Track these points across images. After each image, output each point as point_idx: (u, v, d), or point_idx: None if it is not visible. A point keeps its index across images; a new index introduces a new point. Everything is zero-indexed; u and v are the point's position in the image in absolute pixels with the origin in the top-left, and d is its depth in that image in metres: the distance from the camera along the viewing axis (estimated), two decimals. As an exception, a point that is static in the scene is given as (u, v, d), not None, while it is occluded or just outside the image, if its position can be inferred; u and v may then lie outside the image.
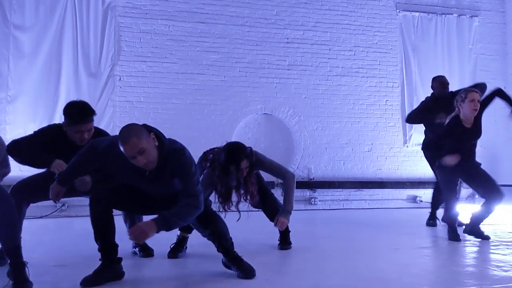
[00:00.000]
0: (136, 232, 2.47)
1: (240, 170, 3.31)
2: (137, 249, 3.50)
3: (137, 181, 2.73)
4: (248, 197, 3.46)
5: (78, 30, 6.32)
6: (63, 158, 3.13)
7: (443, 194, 4.42)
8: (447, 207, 4.29)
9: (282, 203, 3.66)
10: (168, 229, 2.55)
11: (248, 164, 3.35)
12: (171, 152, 2.61)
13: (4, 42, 6.05)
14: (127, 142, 2.44)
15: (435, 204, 5.23)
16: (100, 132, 3.35)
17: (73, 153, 2.86)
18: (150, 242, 3.52)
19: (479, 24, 7.95)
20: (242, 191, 3.45)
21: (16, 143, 3.22)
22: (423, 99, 5.54)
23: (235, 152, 3.31)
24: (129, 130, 2.50)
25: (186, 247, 3.55)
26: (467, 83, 7.66)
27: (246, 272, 2.81)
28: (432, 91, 5.36)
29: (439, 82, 5.26)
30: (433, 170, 5.26)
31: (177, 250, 3.45)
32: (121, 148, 2.47)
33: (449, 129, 4.23)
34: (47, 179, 3.03)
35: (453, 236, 4.15)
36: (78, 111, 3.17)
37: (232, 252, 2.88)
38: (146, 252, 3.46)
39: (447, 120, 4.37)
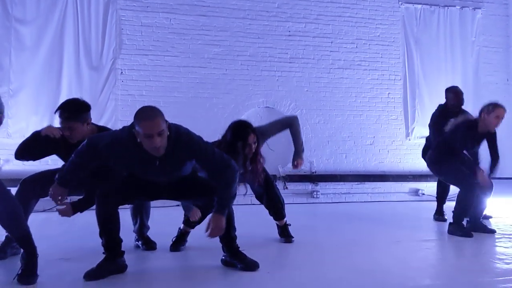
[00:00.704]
0: (215, 233, 2.63)
1: (248, 145, 3.31)
2: (140, 242, 3.52)
3: (144, 172, 2.73)
4: (255, 173, 3.46)
5: (80, 24, 6.30)
6: (63, 155, 3.14)
7: (465, 192, 4.12)
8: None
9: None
10: (229, 209, 2.75)
11: (256, 139, 3.35)
12: (178, 136, 2.63)
13: (6, 36, 6.04)
14: (153, 119, 2.46)
15: (440, 199, 5.18)
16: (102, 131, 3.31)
17: (70, 150, 2.84)
18: (152, 236, 3.55)
19: (482, 16, 7.90)
20: (249, 168, 3.45)
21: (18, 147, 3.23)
22: (434, 109, 5.32)
23: (241, 128, 3.34)
24: (153, 110, 2.53)
25: (186, 241, 3.56)
26: (469, 76, 7.67)
27: (249, 264, 2.82)
28: (445, 100, 5.20)
29: (453, 93, 5.05)
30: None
31: (179, 243, 3.47)
32: (142, 125, 2.45)
33: (466, 137, 4.18)
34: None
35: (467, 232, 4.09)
36: (60, 107, 3.12)
37: (235, 244, 2.90)
38: (148, 245, 3.47)
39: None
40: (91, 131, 3.15)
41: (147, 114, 2.49)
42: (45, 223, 4.77)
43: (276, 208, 3.77)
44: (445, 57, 7.64)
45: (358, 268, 2.92)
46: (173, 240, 3.48)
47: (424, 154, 5.23)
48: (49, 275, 2.65)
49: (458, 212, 4.14)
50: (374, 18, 7.47)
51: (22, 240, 2.57)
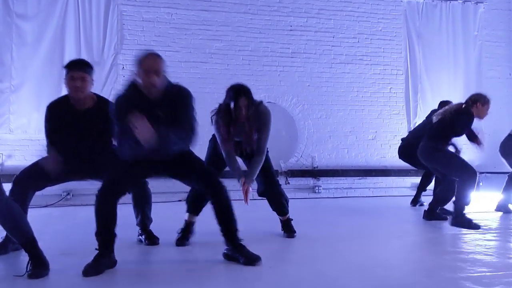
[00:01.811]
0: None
1: (238, 107, 3.36)
2: (142, 237, 3.52)
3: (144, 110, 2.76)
4: (246, 139, 3.50)
5: (81, 19, 6.30)
6: (68, 128, 3.18)
7: (467, 178, 4.17)
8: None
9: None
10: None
11: (247, 103, 3.39)
12: (174, 84, 2.91)
13: (7, 32, 6.05)
14: (154, 57, 2.76)
15: (422, 188, 5.71)
16: (103, 100, 3.36)
17: (76, 122, 3.09)
18: (155, 231, 3.56)
19: (484, 10, 7.87)
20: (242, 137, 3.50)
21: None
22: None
23: (235, 90, 3.41)
24: (156, 53, 2.81)
25: (193, 232, 3.54)
26: (472, 70, 7.65)
27: (251, 258, 2.82)
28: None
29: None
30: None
31: (185, 237, 3.46)
32: (143, 61, 2.72)
33: (468, 125, 4.31)
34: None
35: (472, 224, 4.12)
36: (73, 60, 3.30)
37: (237, 237, 2.90)
38: (151, 240, 3.48)
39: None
40: (91, 96, 3.25)
41: (150, 52, 2.79)
42: (46, 218, 4.79)
43: (279, 205, 3.76)
44: (447, 51, 7.62)
45: (360, 263, 2.92)
46: (179, 233, 3.47)
47: (402, 155, 5.60)
48: (51, 270, 2.65)
49: (460, 203, 4.15)
50: (376, 13, 7.45)
51: (26, 246, 2.59)
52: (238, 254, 2.85)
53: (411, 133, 5.85)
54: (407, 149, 5.40)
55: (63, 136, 3.21)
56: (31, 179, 3.13)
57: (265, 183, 3.67)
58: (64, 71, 3.18)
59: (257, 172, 3.50)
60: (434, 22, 7.64)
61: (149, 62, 2.73)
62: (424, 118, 5.85)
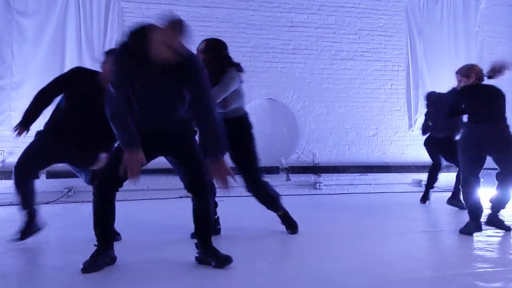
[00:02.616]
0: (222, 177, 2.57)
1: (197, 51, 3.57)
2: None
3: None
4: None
5: (81, 15, 6.28)
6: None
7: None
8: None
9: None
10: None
11: (204, 48, 3.73)
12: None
13: (8, 28, 6.03)
14: None
15: (430, 185, 5.61)
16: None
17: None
18: (157, 228, 3.56)
19: (486, 6, 7.84)
20: None
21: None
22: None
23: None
24: None
25: (220, 228, 3.52)
26: (473, 66, 7.61)
27: (222, 260, 2.72)
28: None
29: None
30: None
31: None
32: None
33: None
34: (42, 145, 3.31)
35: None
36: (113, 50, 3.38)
37: (210, 240, 2.81)
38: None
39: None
40: None
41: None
42: (48, 215, 4.77)
43: (269, 204, 3.69)
44: (448, 47, 7.60)
45: (361, 259, 2.92)
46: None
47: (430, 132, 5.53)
48: (53, 267, 2.66)
49: (498, 203, 3.83)
50: (377, 9, 7.43)
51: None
52: (210, 257, 2.76)
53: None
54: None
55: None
56: (31, 164, 3.24)
57: (251, 189, 3.54)
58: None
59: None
60: (435, 18, 7.62)
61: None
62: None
